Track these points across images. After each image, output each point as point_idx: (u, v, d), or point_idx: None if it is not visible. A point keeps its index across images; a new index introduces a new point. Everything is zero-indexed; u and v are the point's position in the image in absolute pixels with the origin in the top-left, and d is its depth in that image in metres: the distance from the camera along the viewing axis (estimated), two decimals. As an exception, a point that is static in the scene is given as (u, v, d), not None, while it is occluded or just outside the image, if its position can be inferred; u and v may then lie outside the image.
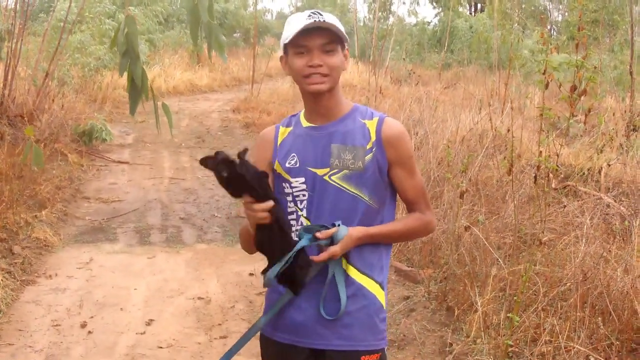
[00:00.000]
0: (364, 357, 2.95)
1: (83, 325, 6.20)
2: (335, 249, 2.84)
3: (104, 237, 8.88)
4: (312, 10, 2.87)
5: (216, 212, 10.22)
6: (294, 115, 3.15)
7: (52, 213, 9.38)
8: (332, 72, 2.87)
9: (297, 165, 2.98)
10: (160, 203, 10.66)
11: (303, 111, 3.09)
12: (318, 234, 2.86)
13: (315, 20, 2.80)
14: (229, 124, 18.23)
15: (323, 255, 2.84)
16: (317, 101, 2.95)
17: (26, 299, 6.75)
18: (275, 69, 27.76)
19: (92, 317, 6.41)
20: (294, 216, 3.02)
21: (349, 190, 2.91)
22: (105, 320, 6.34)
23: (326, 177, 2.93)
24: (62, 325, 6.20)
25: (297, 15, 2.89)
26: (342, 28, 2.87)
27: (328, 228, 2.88)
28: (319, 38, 2.84)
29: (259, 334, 3.13)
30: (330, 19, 2.84)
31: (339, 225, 2.88)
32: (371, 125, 2.95)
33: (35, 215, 8.92)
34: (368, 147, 2.91)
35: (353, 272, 2.95)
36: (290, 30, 2.85)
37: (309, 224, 2.95)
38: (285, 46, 2.92)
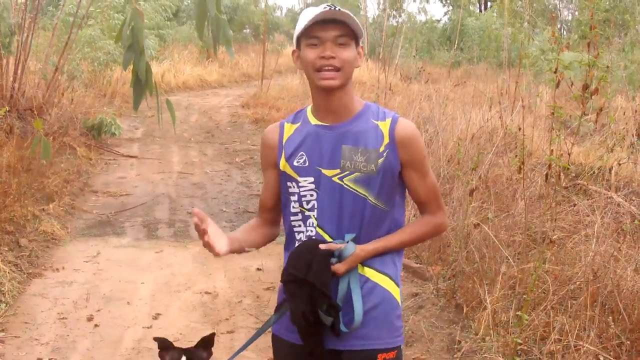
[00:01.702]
0: (380, 355, 2.90)
1: (89, 319, 6.19)
2: (339, 267, 2.82)
3: (112, 231, 8.88)
4: (328, 4, 2.79)
5: (224, 207, 10.21)
6: (300, 111, 3.07)
7: (60, 206, 9.38)
8: (344, 67, 2.79)
9: (306, 164, 2.91)
10: (169, 197, 10.65)
11: (310, 107, 3.01)
12: (321, 246, 2.83)
13: (329, 9, 2.73)
14: (238, 119, 18.23)
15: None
16: (328, 97, 2.87)
17: (33, 292, 6.74)
18: (285, 65, 27.75)
19: (98, 310, 6.39)
20: (299, 217, 2.97)
21: (358, 192, 2.85)
22: (112, 314, 6.33)
23: (335, 179, 2.86)
24: (68, 319, 6.19)
25: (312, 8, 2.82)
26: (358, 23, 2.80)
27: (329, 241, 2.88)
28: (333, 30, 2.77)
29: (269, 330, 3.11)
30: (346, 12, 2.77)
31: (347, 242, 2.85)
32: (384, 126, 2.87)
33: (43, 209, 8.92)
34: (381, 150, 2.84)
35: (367, 271, 2.90)
36: (304, 21, 2.79)
37: (318, 229, 2.91)
38: (298, 39, 2.86)
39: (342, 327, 2.84)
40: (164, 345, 3.41)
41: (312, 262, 2.80)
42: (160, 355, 3.41)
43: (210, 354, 3.48)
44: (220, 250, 2.73)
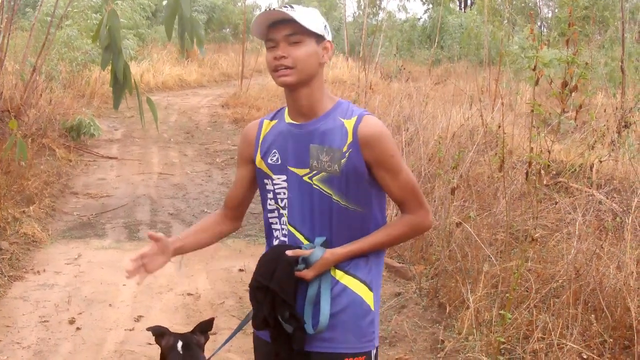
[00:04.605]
0: (347, 359, 2.88)
1: (71, 322, 6.15)
2: (307, 273, 2.81)
3: (93, 233, 8.84)
4: (284, 4, 2.79)
5: (205, 208, 10.17)
6: (281, 109, 3.05)
7: (40, 208, 9.32)
8: (297, 65, 2.76)
9: (279, 162, 2.91)
10: (149, 199, 10.61)
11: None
12: (288, 252, 2.82)
13: (271, 11, 2.74)
14: (218, 119, 18.18)
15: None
16: (294, 96, 2.86)
17: (14, 295, 6.70)
18: (265, 64, 27.62)
19: (80, 313, 6.36)
20: (275, 214, 2.97)
21: (326, 192, 2.82)
22: (94, 317, 6.29)
23: (306, 178, 2.85)
24: (50, 322, 6.15)
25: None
26: (314, 19, 2.78)
27: (302, 242, 2.87)
28: (284, 29, 2.76)
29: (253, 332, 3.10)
30: (300, 11, 2.76)
31: (315, 247, 2.83)
32: (349, 124, 2.83)
33: (23, 211, 8.86)
34: (344, 149, 2.80)
35: (338, 273, 2.88)
36: (253, 25, 2.82)
37: (289, 226, 2.91)
38: None
39: (309, 329, 2.83)
40: (159, 331, 3.42)
41: (276, 269, 2.81)
42: (156, 341, 3.43)
43: (207, 338, 3.49)
44: (148, 271, 2.92)
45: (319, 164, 2.82)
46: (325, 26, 2.85)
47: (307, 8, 2.83)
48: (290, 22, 2.74)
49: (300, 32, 2.76)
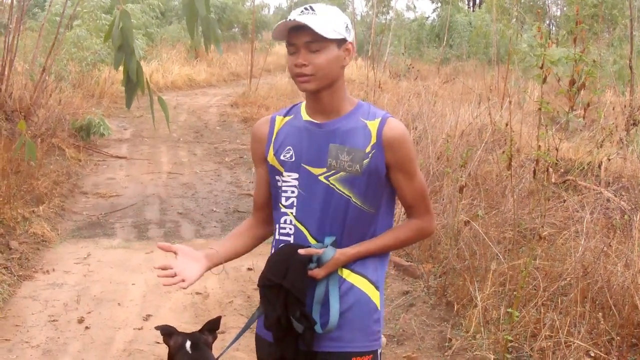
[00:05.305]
0: (354, 358, 2.87)
1: (80, 321, 6.17)
2: (318, 272, 2.81)
3: (102, 232, 8.86)
4: (306, 6, 2.75)
5: (214, 207, 10.19)
6: (294, 105, 3.04)
7: (50, 208, 9.34)
8: (318, 72, 2.75)
9: (293, 159, 2.89)
10: (159, 198, 10.63)
11: (305, 102, 2.98)
12: (300, 251, 2.80)
13: (288, 20, 2.70)
14: (227, 118, 18.19)
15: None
16: (316, 99, 2.86)
17: (23, 294, 6.72)
18: (274, 63, 27.71)
19: (89, 312, 6.37)
20: (278, 211, 2.96)
21: (341, 192, 2.81)
22: (103, 316, 6.31)
23: (322, 177, 2.83)
24: (59, 321, 6.17)
25: (294, 11, 2.79)
26: (334, 22, 2.74)
27: (309, 241, 2.86)
28: (304, 36, 2.72)
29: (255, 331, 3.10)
30: (321, 15, 2.72)
31: (327, 246, 2.83)
32: (372, 126, 2.83)
33: (33, 211, 8.88)
34: (367, 150, 2.80)
35: (345, 272, 2.88)
36: (275, 29, 2.78)
37: (298, 224, 2.89)
38: None
39: (318, 329, 2.82)
40: (168, 331, 3.44)
41: (289, 268, 2.80)
42: (164, 341, 3.45)
43: (215, 337, 3.51)
44: (188, 280, 2.87)
45: (337, 163, 2.81)
46: (347, 26, 2.82)
47: (328, 7, 2.79)
48: (310, 29, 2.71)
49: (319, 40, 2.73)
